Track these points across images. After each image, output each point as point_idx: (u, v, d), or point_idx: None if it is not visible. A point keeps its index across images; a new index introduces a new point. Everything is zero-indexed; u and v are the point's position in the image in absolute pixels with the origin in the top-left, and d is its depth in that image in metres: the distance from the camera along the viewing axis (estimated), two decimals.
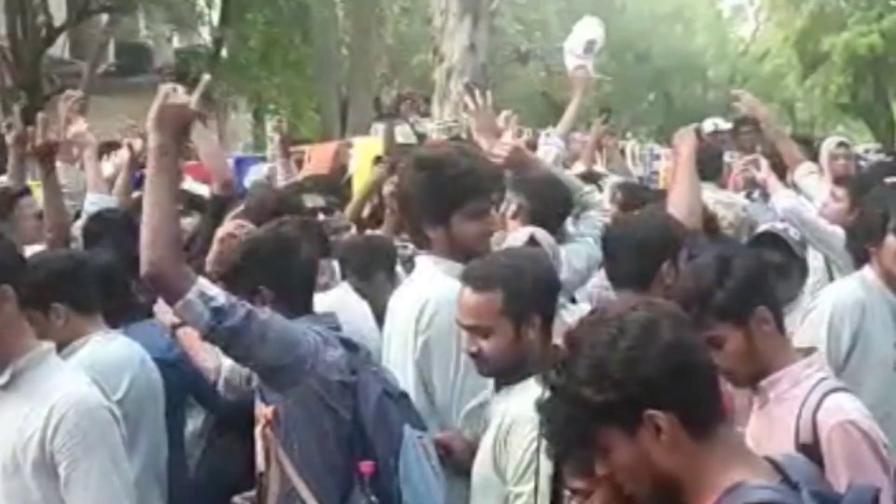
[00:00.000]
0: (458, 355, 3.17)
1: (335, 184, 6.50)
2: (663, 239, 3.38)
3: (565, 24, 27.68)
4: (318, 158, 7.94)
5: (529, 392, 2.65)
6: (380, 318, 3.99)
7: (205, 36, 22.14)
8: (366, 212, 6.04)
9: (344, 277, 4.42)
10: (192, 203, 5.19)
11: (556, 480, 2.45)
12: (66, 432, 2.57)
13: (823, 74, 28.98)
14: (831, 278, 4.67)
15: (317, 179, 6.35)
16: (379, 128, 10.86)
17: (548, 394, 1.96)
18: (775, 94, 35.91)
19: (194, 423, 4.15)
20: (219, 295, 2.94)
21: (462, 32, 10.22)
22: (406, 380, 3.25)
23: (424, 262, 3.43)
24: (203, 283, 2.95)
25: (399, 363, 3.30)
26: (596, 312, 2.00)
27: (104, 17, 18.50)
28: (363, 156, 7.83)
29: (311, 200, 4.96)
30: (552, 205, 4.18)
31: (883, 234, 3.43)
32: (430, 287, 3.25)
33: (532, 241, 3.67)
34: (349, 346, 3.17)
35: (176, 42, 23.08)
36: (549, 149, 5.18)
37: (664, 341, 1.89)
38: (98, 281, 3.51)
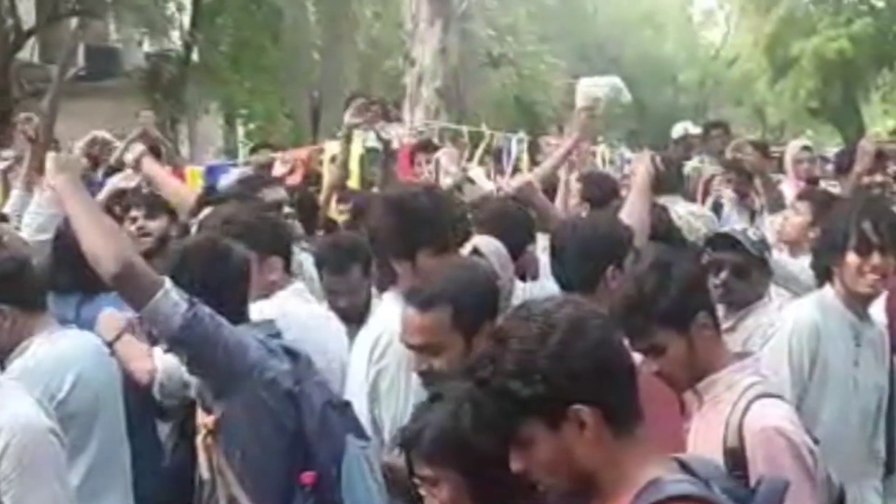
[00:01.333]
0: (406, 387, 3.17)
1: (304, 193, 6.46)
2: (609, 243, 3.37)
3: (536, 28, 27.85)
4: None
5: None
6: (357, 317, 4.02)
7: (175, 40, 22.03)
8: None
9: (321, 279, 4.41)
10: (161, 206, 5.11)
11: (409, 468, 2.45)
12: (13, 459, 2.56)
13: (793, 79, 29.17)
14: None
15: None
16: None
17: (472, 387, 1.98)
18: (746, 98, 36.15)
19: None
20: (182, 298, 2.93)
21: (433, 37, 10.24)
22: (362, 412, 3.24)
23: (389, 296, 3.47)
24: (171, 285, 2.94)
25: (356, 395, 3.30)
26: (523, 308, 2.02)
27: (74, 21, 18.37)
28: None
29: (274, 193, 4.88)
30: (512, 236, 4.23)
31: (843, 251, 3.39)
32: (388, 319, 3.24)
33: (475, 251, 3.66)
34: (291, 354, 3.15)
35: (146, 46, 22.95)
36: None
37: (592, 339, 1.94)
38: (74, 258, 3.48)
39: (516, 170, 8.59)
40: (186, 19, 21.59)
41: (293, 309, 3.62)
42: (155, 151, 5.78)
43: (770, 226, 5.50)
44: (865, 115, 30.85)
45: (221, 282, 3.18)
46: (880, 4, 28.52)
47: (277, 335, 3.22)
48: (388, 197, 3.66)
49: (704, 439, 2.77)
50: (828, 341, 3.43)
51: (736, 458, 2.67)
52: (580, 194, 5.66)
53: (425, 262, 3.29)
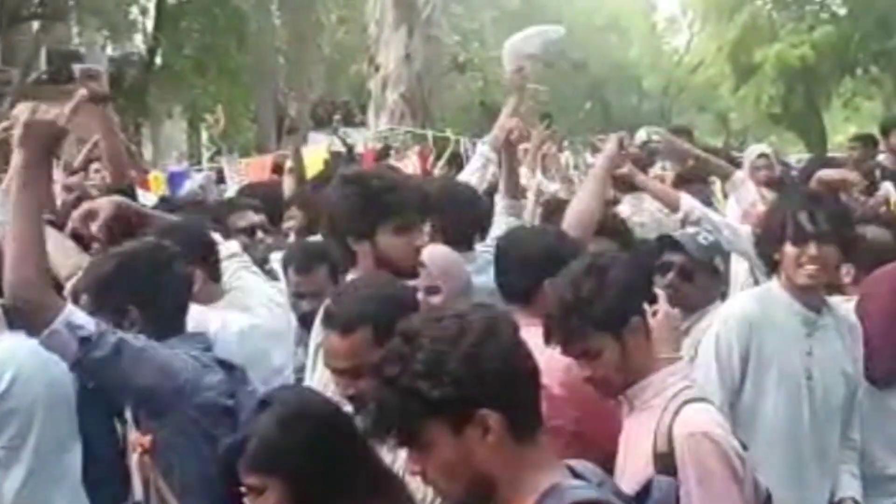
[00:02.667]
0: None
1: (273, 195, 6.41)
2: (547, 256, 3.29)
3: (501, 33, 27.91)
4: (253, 171, 7.86)
5: None
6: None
7: (138, 43, 21.90)
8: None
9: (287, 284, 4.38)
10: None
11: (231, 475, 2.42)
12: None
13: (756, 85, 29.44)
14: (756, 283, 4.65)
15: (253, 190, 6.22)
16: (318, 137, 10.83)
17: (378, 384, 1.93)
18: (709, 104, 36.47)
19: None
20: (87, 323, 2.83)
21: (397, 42, 10.22)
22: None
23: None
24: (71, 310, 2.84)
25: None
26: (433, 308, 2.03)
27: (35, 24, 18.20)
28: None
29: (244, 219, 4.83)
30: (466, 222, 4.19)
31: (782, 243, 3.36)
32: None
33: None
34: (225, 366, 3.09)
35: (109, 49, 22.78)
36: (479, 159, 5.16)
37: (504, 343, 1.92)
38: None
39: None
40: (150, 23, 21.49)
41: (231, 319, 3.56)
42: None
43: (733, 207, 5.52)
44: (827, 121, 31.18)
45: (159, 291, 3.10)
46: (842, 12, 28.86)
47: (209, 348, 3.15)
48: (346, 174, 3.49)
49: (635, 444, 2.77)
50: (768, 333, 3.39)
51: (666, 463, 2.66)
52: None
53: (385, 241, 3.20)
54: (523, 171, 6.63)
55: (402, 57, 10.27)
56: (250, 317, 3.71)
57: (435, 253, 3.67)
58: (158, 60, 21.33)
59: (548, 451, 1.98)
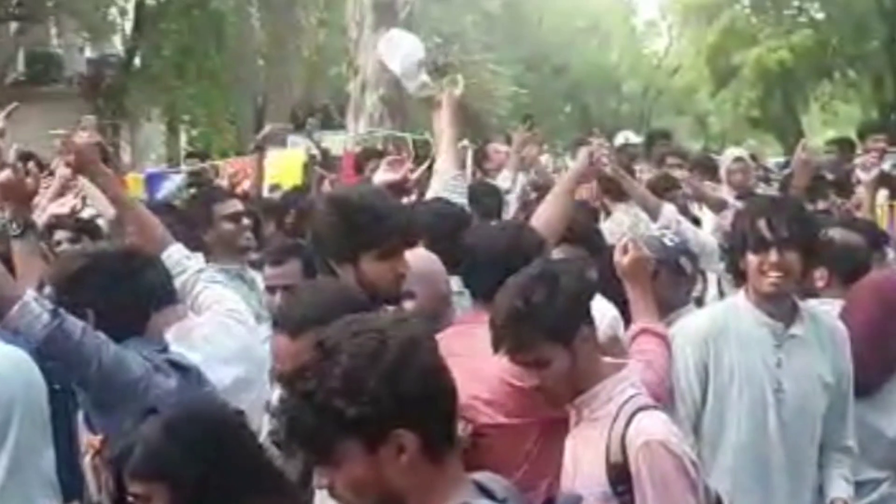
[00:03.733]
0: None
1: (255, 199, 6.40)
2: (512, 252, 3.25)
3: (481, 37, 27.93)
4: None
5: None
6: None
7: (117, 45, 21.80)
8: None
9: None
10: (83, 229, 4.92)
11: (119, 487, 2.39)
12: None
13: (734, 89, 29.60)
14: (721, 294, 4.65)
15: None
16: (297, 140, 10.79)
17: (292, 399, 1.87)
18: (688, 107, 36.62)
19: None
20: (47, 307, 2.85)
21: (377, 44, 10.18)
22: None
23: None
24: (31, 295, 2.86)
25: None
26: (354, 322, 1.92)
27: (13, 26, 18.10)
28: (277, 168, 7.75)
29: (229, 206, 4.73)
30: (448, 234, 4.19)
31: (744, 252, 3.31)
32: None
33: None
34: (180, 368, 3.07)
35: (88, 51, 22.68)
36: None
37: (424, 361, 1.87)
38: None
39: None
40: (129, 25, 21.40)
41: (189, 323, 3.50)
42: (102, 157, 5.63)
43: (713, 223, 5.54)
44: (805, 124, 31.33)
45: (119, 298, 3.07)
46: (820, 16, 29.03)
47: (164, 349, 3.13)
48: (332, 195, 3.52)
49: (584, 455, 2.76)
50: (727, 346, 3.34)
51: (619, 473, 2.66)
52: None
53: (368, 267, 3.18)
54: (505, 173, 6.65)
55: (382, 60, 10.23)
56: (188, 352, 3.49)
57: (414, 257, 3.66)
58: (137, 62, 21.25)
59: (457, 468, 1.94)
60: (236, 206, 4.80)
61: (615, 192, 5.96)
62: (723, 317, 3.41)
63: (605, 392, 2.76)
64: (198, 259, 3.88)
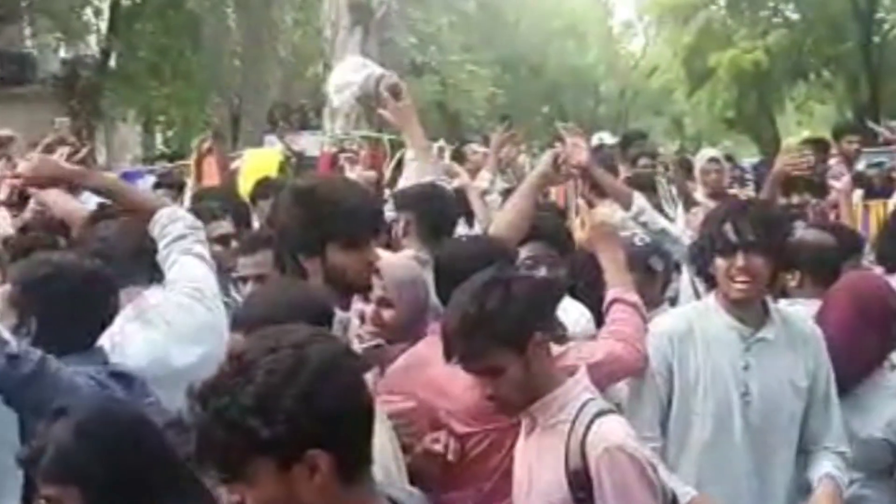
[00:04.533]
0: None
1: (232, 196, 6.35)
2: (482, 264, 3.23)
3: (459, 37, 27.96)
4: (206, 173, 7.76)
5: None
6: None
7: (92, 46, 21.68)
8: None
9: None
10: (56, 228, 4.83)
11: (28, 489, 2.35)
12: None
13: (710, 90, 29.73)
14: (697, 295, 4.64)
15: (213, 193, 6.13)
16: (273, 140, 10.75)
17: (203, 415, 1.79)
18: (665, 108, 36.78)
19: None
20: (11, 339, 2.78)
21: (353, 44, 10.17)
22: None
23: None
24: None
25: None
26: (270, 337, 1.85)
27: None
28: (252, 167, 7.73)
29: (217, 229, 4.73)
30: (439, 215, 4.15)
31: (712, 257, 3.29)
32: None
33: (376, 272, 3.57)
34: (123, 379, 3.03)
35: (62, 52, 22.53)
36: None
37: (343, 380, 1.81)
38: None
39: None
40: (104, 25, 21.27)
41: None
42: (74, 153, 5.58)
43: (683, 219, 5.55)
44: (780, 125, 31.51)
45: (68, 313, 3.01)
46: (795, 17, 29.20)
47: (105, 362, 3.08)
48: (296, 186, 3.38)
49: (541, 463, 2.75)
50: (693, 348, 3.31)
51: (580, 480, 2.65)
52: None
53: (335, 258, 3.11)
54: (484, 174, 6.64)
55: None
56: (144, 328, 3.51)
57: (392, 264, 3.61)
58: (112, 63, 21.12)
59: (371, 486, 1.90)
60: (225, 227, 4.76)
61: (596, 187, 5.98)
62: (691, 318, 3.40)
63: (560, 398, 2.74)
64: (184, 219, 3.73)
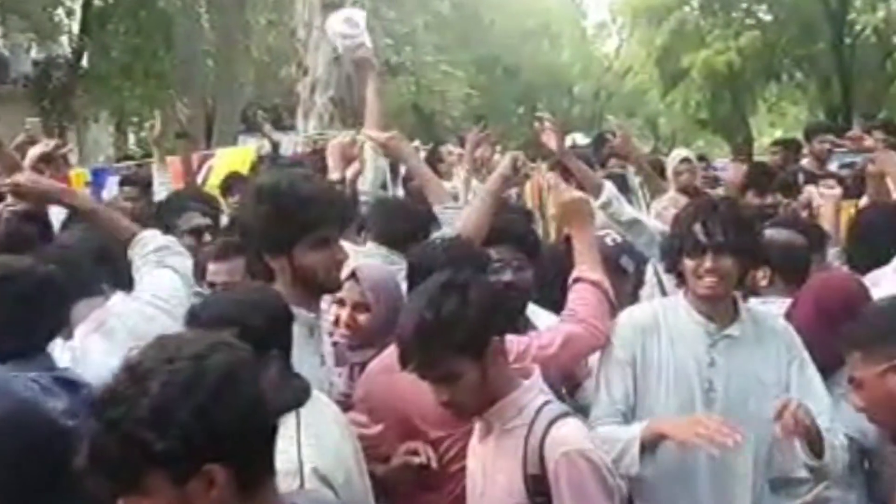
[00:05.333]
0: None
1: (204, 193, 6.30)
2: (458, 265, 3.22)
3: (434, 38, 27.95)
4: (174, 172, 7.70)
5: (281, 442, 2.54)
6: None
7: (64, 46, 21.52)
8: None
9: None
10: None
11: None
12: None
13: (683, 90, 29.85)
14: (663, 292, 4.64)
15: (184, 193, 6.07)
16: (247, 140, 10.72)
17: (98, 423, 1.73)
18: (638, 109, 36.87)
19: None
20: None
21: (326, 45, 10.12)
22: None
23: None
24: None
25: None
26: (168, 346, 1.79)
27: None
28: (223, 166, 7.69)
29: (190, 221, 4.68)
30: (401, 228, 4.14)
31: (681, 256, 3.29)
32: None
33: (353, 275, 3.55)
34: (68, 385, 2.96)
35: (34, 52, 22.36)
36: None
37: (244, 394, 1.76)
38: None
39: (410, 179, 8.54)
40: (76, 25, 21.12)
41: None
42: (45, 159, 5.53)
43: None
44: (753, 125, 31.71)
45: (26, 319, 2.93)
46: (768, 18, 29.35)
47: (51, 368, 3.00)
48: (260, 183, 3.27)
49: (497, 466, 2.74)
50: (657, 342, 3.33)
51: (538, 484, 2.65)
52: None
53: (303, 257, 3.04)
54: (459, 174, 6.63)
55: (331, 60, 10.18)
56: (104, 339, 3.47)
57: (369, 267, 3.60)
58: (84, 63, 20.98)
59: (274, 495, 1.87)
60: (198, 219, 4.71)
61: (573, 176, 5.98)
62: (658, 313, 3.41)
63: (516, 402, 2.73)
64: (161, 238, 3.70)
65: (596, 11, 42.41)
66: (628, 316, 3.44)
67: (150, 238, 3.64)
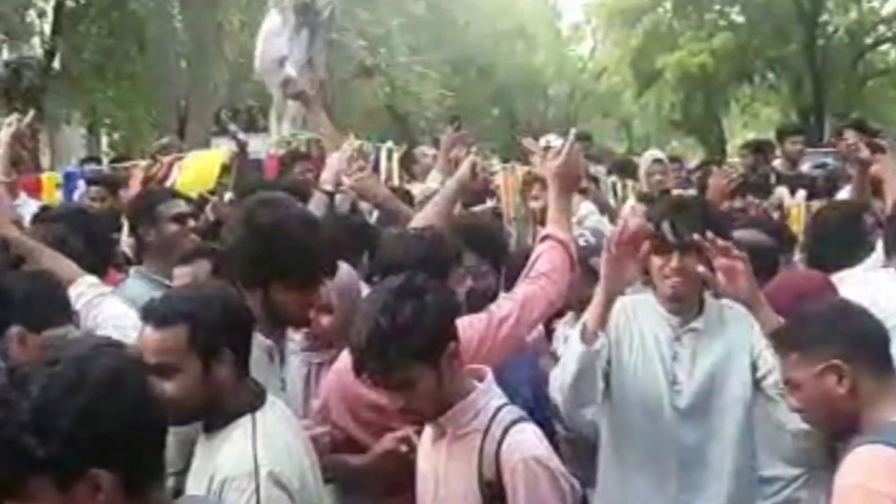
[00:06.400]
0: None
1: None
2: (429, 262, 3.24)
3: (408, 39, 27.91)
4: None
5: (237, 444, 2.54)
6: None
7: (36, 48, 21.37)
8: None
9: None
10: None
11: None
12: None
13: (657, 92, 30.02)
14: None
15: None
16: (220, 142, 10.67)
17: None
18: (613, 110, 37.01)
19: None
20: None
21: (299, 46, 10.09)
22: None
23: None
24: None
25: None
26: (51, 349, 1.77)
27: None
28: (191, 166, 7.63)
29: (174, 207, 4.61)
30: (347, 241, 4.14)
31: (648, 254, 3.30)
32: None
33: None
34: None
35: (5, 53, 22.19)
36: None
37: (127, 398, 1.73)
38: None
39: (387, 179, 8.53)
40: (47, 26, 20.96)
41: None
42: (17, 136, 5.48)
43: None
44: (726, 127, 31.88)
45: None
46: (740, 20, 29.53)
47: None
48: (259, 218, 3.15)
49: (451, 471, 2.75)
50: (633, 339, 3.38)
51: (493, 490, 2.66)
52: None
53: (279, 295, 3.02)
54: (434, 176, 6.63)
55: (304, 61, 10.15)
56: None
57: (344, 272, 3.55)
58: (56, 65, 20.83)
59: (162, 498, 1.85)
60: (182, 206, 4.68)
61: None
62: (629, 309, 3.44)
63: (472, 407, 2.73)
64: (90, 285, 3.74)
65: (570, 13, 42.49)
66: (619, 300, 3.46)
67: (88, 285, 3.68)
